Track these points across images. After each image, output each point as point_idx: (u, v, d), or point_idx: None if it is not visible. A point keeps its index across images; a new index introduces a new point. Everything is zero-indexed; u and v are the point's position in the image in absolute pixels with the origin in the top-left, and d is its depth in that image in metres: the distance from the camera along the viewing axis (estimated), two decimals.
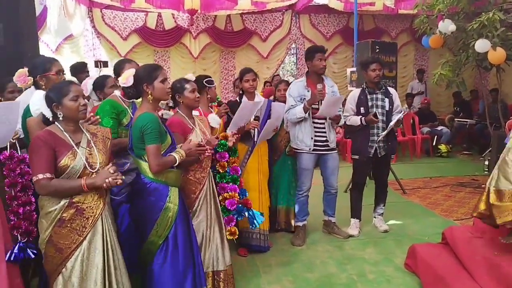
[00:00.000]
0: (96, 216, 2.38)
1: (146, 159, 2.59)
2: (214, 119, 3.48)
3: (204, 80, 3.68)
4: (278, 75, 9.18)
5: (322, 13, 10.17)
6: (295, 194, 4.36)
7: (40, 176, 2.24)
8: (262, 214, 3.54)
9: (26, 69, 2.89)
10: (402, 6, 9.18)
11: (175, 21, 9.63)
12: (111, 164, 2.38)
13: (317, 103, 4.07)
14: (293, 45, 10.52)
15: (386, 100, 4.37)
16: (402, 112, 4.49)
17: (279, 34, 10.09)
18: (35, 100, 2.43)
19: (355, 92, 4.51)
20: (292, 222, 4.50)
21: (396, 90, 4.91)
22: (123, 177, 2.39)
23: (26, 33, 4.52)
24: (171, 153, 2.66)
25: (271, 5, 8.94)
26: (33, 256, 2.51)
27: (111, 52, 9.35)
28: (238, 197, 3.34)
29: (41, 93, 2.46)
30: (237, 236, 3.31)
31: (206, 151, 2.84)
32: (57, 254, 2.32)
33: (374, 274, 3.61)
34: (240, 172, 3.43)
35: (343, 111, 4.41)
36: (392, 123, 4.27)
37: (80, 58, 8.59)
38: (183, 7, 7.97)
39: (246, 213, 3.42)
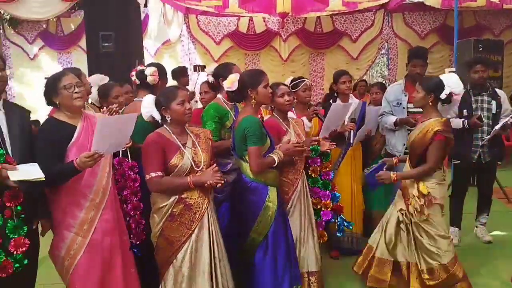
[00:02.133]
0: (203, 211, 2.53)
1: (248, 159, 2.69)
2: (305, 123, 3.50)
3: (291, 84, 3.68)
4: (364, 80, 8.62)
5: (417, 11, 9.73)
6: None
7: (153, 174, 2.44)
8: (349, 222, 3.50)
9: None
10: (508, 1, 8.45)
11: (265, 25, 9.82)
12: (215, 165, 2.52)
13: None
14: (385, 45, 10.19)
15: (493, 102, 4.07)
16: (511, 115, 4.14)
17: (370, 34, 9.84)
18: (146, 104, 2.62)
19: None
20: None
21: None
22: (225, 179, 2.54)
23: (133, 40, 4.90)
24: (270, 154, 2.74)
25: (363, 4, 8.74)
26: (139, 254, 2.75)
27: (205, 57, 9.78)
28: (331, 205, 3.34)
29: (151, 97, 2.65)
30: (326, 239, 3.34)
31: (305, 151, 2.90)
32: (168, 246, 2.50)
33: (478, 287, 3.38)
34: (331, 176, 3.43)
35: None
36: (497, 127, 3.95)
37: (177, 62, 9.12)
38: (275, 11, 8.10)
39: (336, 220, 3.42)
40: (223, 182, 2.49)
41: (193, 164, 2.52)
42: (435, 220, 3.07)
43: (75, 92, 2.38)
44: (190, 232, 2.50)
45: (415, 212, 3.03)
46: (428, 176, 3.05)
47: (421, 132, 3.04)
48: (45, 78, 2.54)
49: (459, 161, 4.23)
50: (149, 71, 3.16)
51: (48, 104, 2.48)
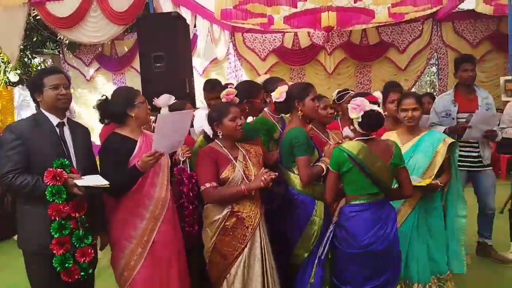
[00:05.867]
0: (255, 225, 2.56)
1: (295, 171, 2.70)
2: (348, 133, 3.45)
3: (336, 96, 3.71)
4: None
5: (467, 19, 9.45)
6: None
7: (208, 185, 2.51)
8: None
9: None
10: None
11: (310, 39, 9.87)
12: (263, 168, 2.54)
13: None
14: (434, 55, 9.93)
15: None
16: None
17: (418, 44, 9.66)
18: (198, 118, 2.71)
19: None
20: None
21: None
22: (276, 173, 2.51)
23: (183, 59, 5.05)
24: (318, 163, 2.74)
25: (410, 15, 8.58)
26: None
27: (251, 73, 9.94)
28: None
29: (203, 112, 2.74)
30: None
31: None
32: (222, 260, 2.54)
33: None
34: None
35: (498, 124, 4.01)
36: None
37: (224, 80, 9.28)
38: (319, 25, 8.12)
39: None
40: (276, 174, 2.47)
41: (244, 177, 2.56)
42: None
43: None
44: (243, 246, 2.53)
45: None
46: None
47: None
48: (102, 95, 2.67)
49: None
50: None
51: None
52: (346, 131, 3.16)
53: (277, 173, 2.52)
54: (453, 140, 3.00)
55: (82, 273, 2.31)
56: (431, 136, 2.99)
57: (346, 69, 10.03)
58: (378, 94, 3.31)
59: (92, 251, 2.37)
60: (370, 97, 2.53)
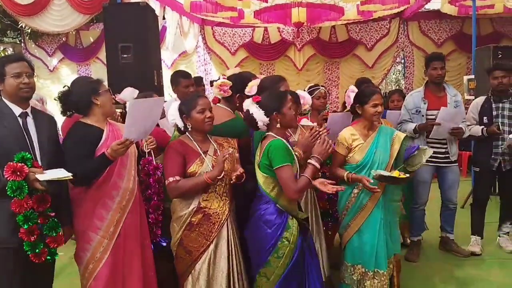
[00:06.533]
0: (222, 222, 2.51)
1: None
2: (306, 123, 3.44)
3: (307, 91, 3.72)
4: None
5: (433, 19, 9.67)
6: (410, 208, 4.17)
7: (171, 179, 2.45)
8: None
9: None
10: None
11: (280, 35, 9.87)
12: (224, 153, 2.49)
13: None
14: (401, 54, 10.14)
15: None
16: None
17: (385, 42, 9.82)
18: (171, 111, 2.64)
19: (479, 100, 4.20)
20: (406, 236, 4.31)
21: None
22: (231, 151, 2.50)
23: (151, 51, 4.95)
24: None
25: (378, 13, 8.71)
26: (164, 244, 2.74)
27: (220, 67, 9.86)
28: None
29: (176, 105, 2.67)
30: None
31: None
32: (187, 256, 2.50)
33: None
34: None
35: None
36: None
37: (193, 73, 9.17)
38: (290, 21, 8.14)
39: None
40: (231, 153, 2.44)
41: None
42: None
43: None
44: (209, 243, 2.48)
45: None
46: None
47: None
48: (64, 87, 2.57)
49: (479, 168, 4.18)
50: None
51: None
52: (304, 121, 3.16)
53: (243, 170, 2.48)
54: (405, 135, 3.07)
55: (48, 257, 2.26)
56: (384, 130, 3.03)
57: (315, 65, 10.10)
58: (353, 89, 3.35)
59: (63, 238, 2.33)
60: None
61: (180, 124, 2.60)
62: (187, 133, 2.60)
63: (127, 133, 2.33)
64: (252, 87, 2.76)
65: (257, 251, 2.46)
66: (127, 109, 2.34)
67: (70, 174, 2.20)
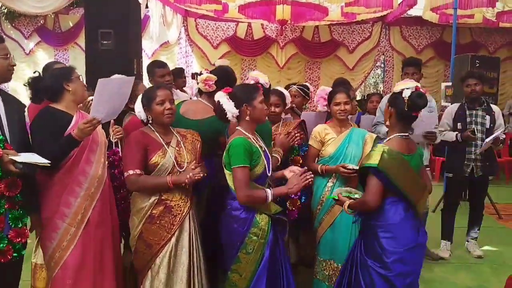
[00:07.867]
0: (184, 214, 2.46)
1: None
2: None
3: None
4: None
5: (414, 25, 9.85)
6: None
7: (131, 172, 2.39)
8: None
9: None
10: (504, 19, 8.57)
11: (264, 31, 9.86)
12: (194, 162, 2.47)
13: None
14: (381, 58, 10.27)
15: (487, 117, 4.10)
16: (501, 130, 4.14)
17: (367, 45, 9.93)
18: (137, 104, 2.59)
19: (453, 106, 4.29)
20: None
21: None
22: (204, 174, 2.42)
23: (132, 38, 4.85)
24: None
25: (361, 16, 8.81)
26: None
27: (202, 60, 9.78)
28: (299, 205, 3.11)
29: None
30: None
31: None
32: (147, 250, 2.44)
33: None
34: None
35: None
36: (488, 140, 3.94)
37: (174, 64, 9.09)
38: (274, 18, 8.12)
39: None
40: (202, 175, 2.37)
41: (175, 163, 2.44)
42: None
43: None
44: (170, 236, 2.43)
45: None
46: None
47: None
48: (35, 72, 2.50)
49: (452, 174, 4.26)
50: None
51: None
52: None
53: (205, 174, 2.43)
54: (376, 135, 3.18)
55: (15, 254, 2.17)
56: (356, 131, 3.14)
57: (296, 64, 10.13)
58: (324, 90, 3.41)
59: (28, 232, 2.24)
60: None
61: (143, 117, 2.53)
62: (149, 124, 2.54)
63: (94, 111, 2.26)
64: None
65: (226, 246, 2.42)
66: (96, 89, 2.26)
67: (47, 161, 2.12)
